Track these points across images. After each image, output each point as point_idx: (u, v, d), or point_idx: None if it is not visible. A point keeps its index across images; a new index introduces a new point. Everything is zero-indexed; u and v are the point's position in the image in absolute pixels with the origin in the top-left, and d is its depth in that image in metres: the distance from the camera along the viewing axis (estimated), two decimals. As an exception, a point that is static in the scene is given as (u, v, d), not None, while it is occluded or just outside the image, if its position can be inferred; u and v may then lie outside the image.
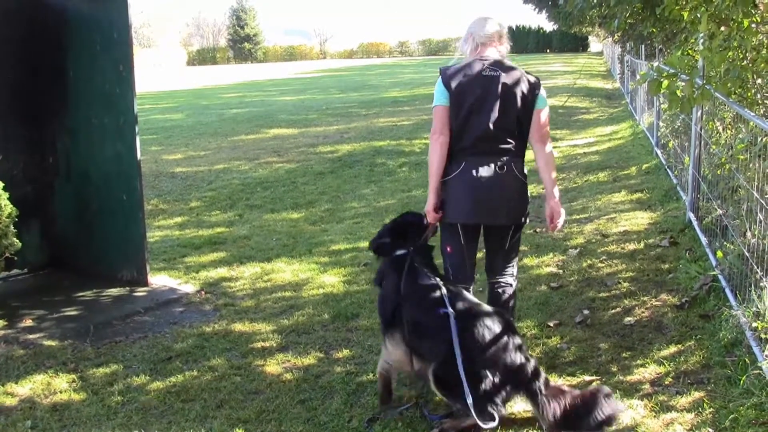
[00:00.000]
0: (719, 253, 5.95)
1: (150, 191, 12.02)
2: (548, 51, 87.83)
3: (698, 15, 5.65)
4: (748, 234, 5.49)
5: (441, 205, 4.89)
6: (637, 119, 17.11)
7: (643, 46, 17.36)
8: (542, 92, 4.87)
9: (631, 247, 7.50)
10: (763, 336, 4.46)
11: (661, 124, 12.12)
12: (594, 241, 7.89)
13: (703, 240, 6.87)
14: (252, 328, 6.05)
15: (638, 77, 11.16)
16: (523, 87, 4.78)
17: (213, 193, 11.84)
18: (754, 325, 4.61)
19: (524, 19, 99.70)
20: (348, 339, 5.75)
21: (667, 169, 10.55)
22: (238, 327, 6.07)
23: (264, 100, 32.03)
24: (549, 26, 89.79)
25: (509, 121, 4.75)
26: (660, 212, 8.78)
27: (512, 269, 5.06)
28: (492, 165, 4.71)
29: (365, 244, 8.04)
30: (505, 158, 4.74)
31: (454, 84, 4.78)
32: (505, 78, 4.76)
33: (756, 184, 5.27)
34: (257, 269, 7.75)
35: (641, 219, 8.61)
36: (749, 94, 6.15)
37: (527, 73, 4.88)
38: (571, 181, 11.30)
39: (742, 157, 5.81)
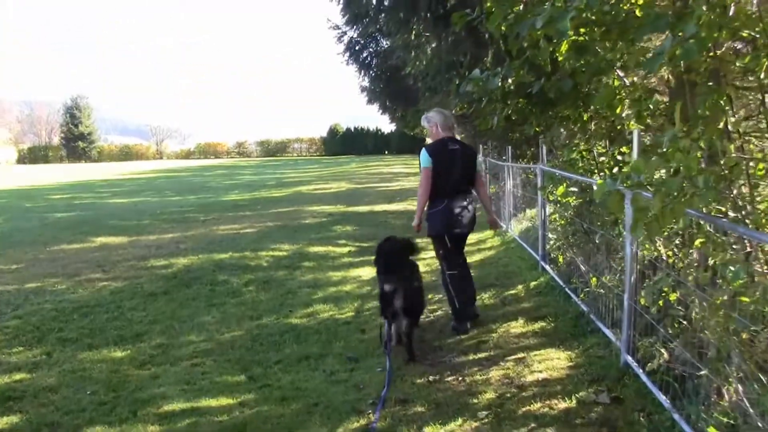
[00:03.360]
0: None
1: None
2: (386, 152, 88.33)
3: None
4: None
5: (428, 224, 8.32)
6: (503, 226, 15.86)
7: (510, 147, 16.22)
8: (479, 157, 8.92)
9: (561, 405, 5.79)
10: None
11: (550, 235, 10.75)
12: (509, 396, 6.14)
13: (662, 398, 5.26)
14: None
15: (548, 187, 9.80)
16: (470, 154, 8.38)
17: (18, 321, 9.48)
18: None
19: (365, 121, 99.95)
20: None
21: (568, 290, 9.07)
22: None
23: (94, 202, 29.44)
24: (387, 128, 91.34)
25: (466, 174, 8.30)
26: (578, 350, 7.19)
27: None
28: (463, 200, 8.24)
29: (208, 401, 6.25)
30: (468, 196, 8.35)
31: (434, 155, 8.10)
32: (461, 149, 8.28)
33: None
34: (59, 447, 5.63)
35: (558, 361, 6.94)
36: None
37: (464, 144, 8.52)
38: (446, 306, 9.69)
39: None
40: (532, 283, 10.26)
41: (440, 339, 8.08)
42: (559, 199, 9.80)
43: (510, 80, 7.19)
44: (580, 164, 9.48)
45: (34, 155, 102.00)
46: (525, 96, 8.59)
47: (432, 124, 8.45)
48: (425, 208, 8.37)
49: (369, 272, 11.98)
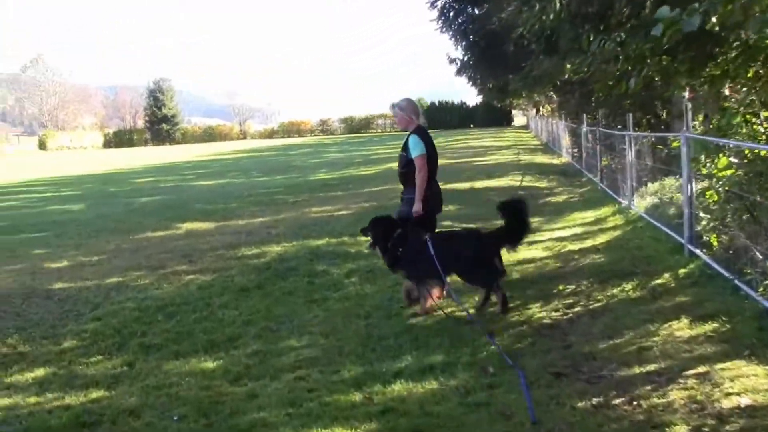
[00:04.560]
0: None
1: (11, 323, 8.86)
2: (472, 126, 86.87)
3: None
4: None
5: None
6: (622, 202, 14.42)
7: (630, 115, 14.65)
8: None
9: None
10: None
11: (702, 214, 9.22)
12: (706, 428, 4.83)
13: None
14: None
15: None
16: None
17: (97, 324, 8.53)
18: None
19: (447, 95, 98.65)
20: None
21: (738, 283, 7.57)
22: None
23: (179, 185, 28.91)
24: (472, 101, 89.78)
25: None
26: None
27: None
28: (437, 183, 8.92)
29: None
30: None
31: (425, 142, 8.63)
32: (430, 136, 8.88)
33: None
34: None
35: (757, 379, 5.44)
36: None
37: None
38: (587, 296, 8.33)
39: None
40: (681, 271, 8.77)
41: (590, 343, 6.77)
42: (714, 172, 8.36)
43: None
44: (744, 130, 8.05)
45: (119, 139, 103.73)
46: (672, 53, 7.25)
47: (405, 112, 8.86)
48: (404, 193, 8.97)
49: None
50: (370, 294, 9.22)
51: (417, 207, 8.46)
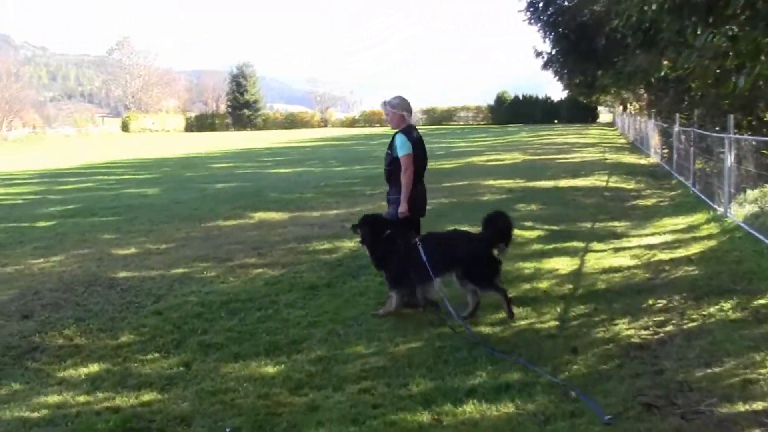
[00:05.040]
0: None
1: (70, 312, 8.64)
2: (555, 121, 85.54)
3: None
4: None
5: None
6: (717, 209, 13.62)
7: (731, 116, 13.77)
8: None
9: None
10: None
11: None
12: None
13: None
14: None
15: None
16: (423, 141, 8.79)
17: (157, 319, 8.23)
18: None
19: (531, 89, 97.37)
20: None
21: None
22: None
23: (256, 172, 28.81)
24: (557, 96, 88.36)
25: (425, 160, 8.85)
26: None
27: None
28: (423, 185, 8.86)
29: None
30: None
31: (412, 142, 8.50)
32: (421, 136, 8.78)
33: None
34: None
35: None
36: None
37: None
38: (680, 314, 7.64)
39: None
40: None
41: (684, 370, 6.13)
42: None
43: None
44: None
45: (200, 123, 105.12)
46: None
47: (397, 110, 8.67)
48: (389, 194, 9.00)
49: (567, 264, 10.21)
50: (449, 299, 8.72)
51: (402, 208, 8.48)
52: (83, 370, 6.79)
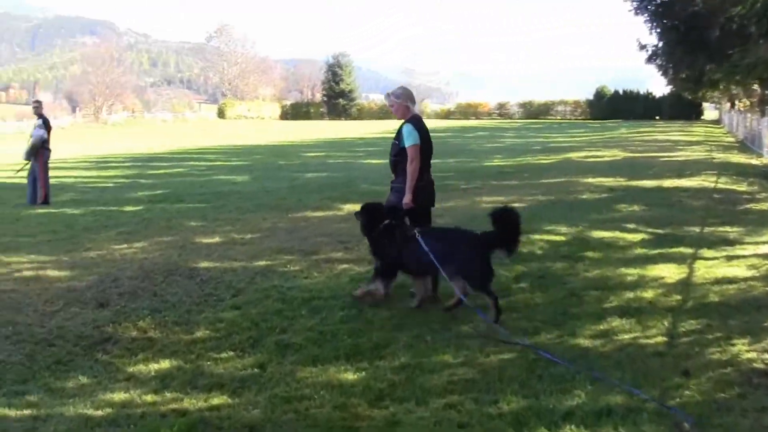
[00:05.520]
0: None
1: (147, 302, 8.38)
2: (657, 118, 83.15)
3: None
4: None
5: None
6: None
7: None
8: None
9: None
10: None
11: None
12: None
13: None
14: None
15: None
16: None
17: (235, 314, 7.90)
18: None
19: (632, 84, 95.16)
20: None
21: None
22: None
23: (348, 162, 28.56)
24: (659, 91, 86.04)
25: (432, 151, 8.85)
26: None
27: None
28: (431, 175, 8.83)
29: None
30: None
31: (420, 132, 8.50)
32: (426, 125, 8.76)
33: None
34: None
35: None
36: None
37: None
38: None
39: None
40: None
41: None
42: None
43: None
44: None
45: (295, 111, 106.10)
46: None
47: (401, 100, 8.73)
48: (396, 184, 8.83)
49: (674, 272, 9.45)
50: (540, 305, 8.15)
51: (407, 198, 8.46)
52: (153, 366, 6.48)
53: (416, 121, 8.62)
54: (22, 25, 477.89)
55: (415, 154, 8.40)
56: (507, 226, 7.93)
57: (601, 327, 7.29)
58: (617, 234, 11.89)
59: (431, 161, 8.82)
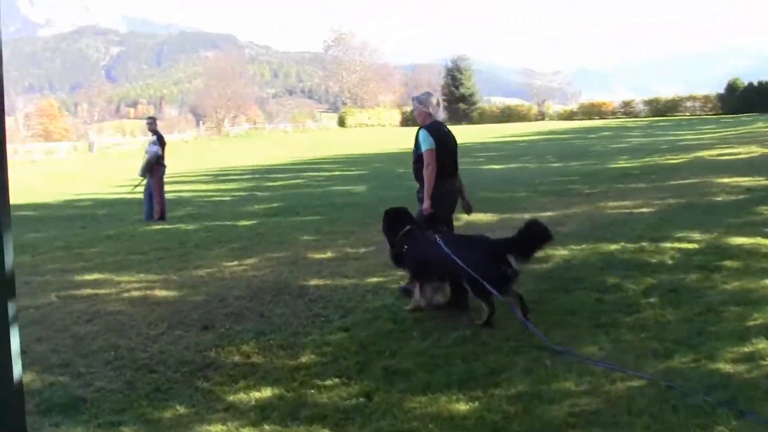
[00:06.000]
0: None
1: (252, 324, 8.16)
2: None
3: None
4: None
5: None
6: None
7: None
8: None
9: None
10: None
11: None
12: None
13: None
14: None
15: None
16: (454, 138, 8.98)
17: (342, 336, 7.56)
18: None
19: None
20: None
21: None
22: None
23: (468, 168, 27.95)
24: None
25: (456, 158, 8.93)
26: None
27: None
28: (455, 183, 8.92)
29: None
30: (456, 179, 8.96)
31: (436, 137, 8.55)
32: (451, 133, 8.91)
33: None
34: None
35: None
36: None
37: None
38: None
39: None
40: None
41: None
42: None
43: None
44: None
45: (414, 117, 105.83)
46: None
47: (424, 106, 8.90)
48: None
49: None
50: (672, 322, 7.46)
51: (425, 204, 8.62)
52: (254, 395, 6.19)
53: (434, 127, 8.76)
54: (148, 42, 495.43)
55: (431, 158, 8.50)
56: (530, 236, 7.92)
57: (745, 349, 6.56)
58: (759, 240, 10.96)
59: (457, 167, 8.99)
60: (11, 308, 3.02)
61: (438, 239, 8.06)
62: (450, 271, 7.93)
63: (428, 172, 8.49)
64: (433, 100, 9.04)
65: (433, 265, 8.12)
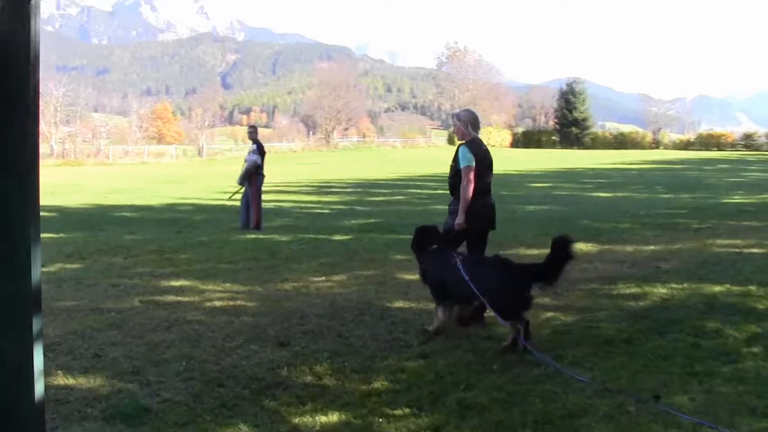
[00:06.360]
0: None
1: (329, 344, 8.01)
2: None
3: None
4: None
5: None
6: None
7: None
8: None
9: None
10: None
11: None
12: None
13: None
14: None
15: None
16: (490, 154, 9.18)
17: (420, 363, 7.30)
18: None
19: None
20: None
21: None
22: None
23: (573, 195, 27.59)
24: None
25: (492, 173, 9.19)
26: None
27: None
28: (491, 198, 9.15)
29: None
30: (491, 194, 9.15)
31: (476, 155, 8.81)
32: (487, 148, 9.17)
33: None
34: None
35: None
36: None
37: None
38: None
39: None
40: None
41: None
42: None
43: None
44: None
45: (527, 139, 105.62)
46: None
47: (463, 123, 9.10)
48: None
49: None
50: (775, 377, 7.00)
51: (459, 219, 8.79)
52: (321, 419, 6.00)
53: (474, 144, 9.00)
54: (264, 51, 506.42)
55: (469, 175, 8.74)
56: (555, 259, 7.85)
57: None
58: None
59: (491, 185, 9.17)
60: (36, 324, 2.90)
61: (459, 263, 8.10)
62: (468, 294, 7.94)
63: (466, 188, 8.72)
64: (472, 117, 9.21)
65: (452, 288, 8.18)
